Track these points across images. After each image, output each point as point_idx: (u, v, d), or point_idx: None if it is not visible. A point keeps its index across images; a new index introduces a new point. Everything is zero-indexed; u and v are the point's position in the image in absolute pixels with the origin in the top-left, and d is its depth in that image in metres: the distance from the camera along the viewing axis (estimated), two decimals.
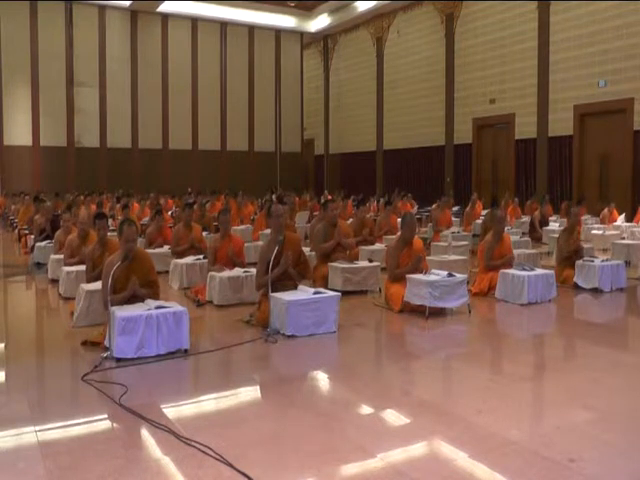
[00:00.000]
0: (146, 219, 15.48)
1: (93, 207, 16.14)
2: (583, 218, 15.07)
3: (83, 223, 9.40)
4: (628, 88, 17.60)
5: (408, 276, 7.32)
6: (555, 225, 14.83)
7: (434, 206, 17.05)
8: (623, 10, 17.52)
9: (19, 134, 25.22)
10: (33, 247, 12.29)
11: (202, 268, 9.13)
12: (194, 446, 3.75)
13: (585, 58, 18.70)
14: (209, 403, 4.74)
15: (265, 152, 30.30)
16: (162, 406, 4.57)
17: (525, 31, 20.52)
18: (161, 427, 4.06)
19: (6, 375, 5.52)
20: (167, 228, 11.46)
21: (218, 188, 24.12)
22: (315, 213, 16.95)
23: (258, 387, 5.15)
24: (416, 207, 19.50)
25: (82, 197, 19.14)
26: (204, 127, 28.87)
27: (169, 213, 16.37)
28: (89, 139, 26.46)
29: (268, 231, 12.86)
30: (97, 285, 7.17)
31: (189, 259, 9.36)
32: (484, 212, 16.89)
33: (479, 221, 15.28)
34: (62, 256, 9.82)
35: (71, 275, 8.58)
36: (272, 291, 6.52)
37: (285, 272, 6.80)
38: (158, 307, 5.84)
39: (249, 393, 5.03)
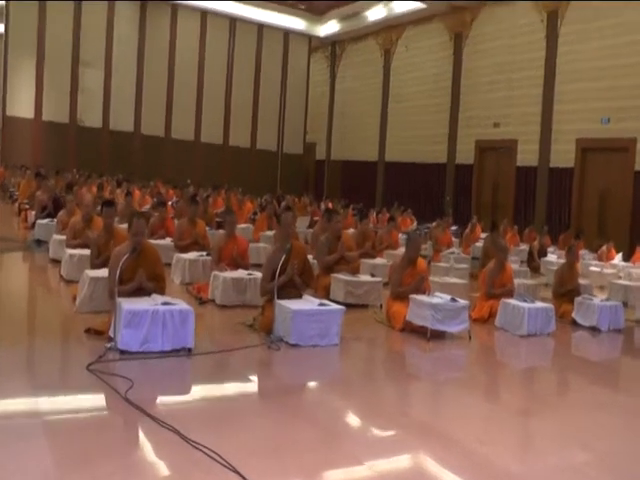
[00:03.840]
0: (147, 207, 15.44)
1: (94, 189, 16.11)
2: (581, 253, 15.14)
3: (88, 207, 9.41)
4: (632, 127, 17.66)
5: (412, 296, 7.34)
6: (553, 257, 14.91)
7: (434, 224, 17.08)
8: (632, 48, 17.60)
9: (22, 106, 25.09)
10: (34, 223, 12.29)
11: (205, 265, 9.13)
12: (201, 449, 3.74)
13: (591, 92, 18.75)
14: (212, 405, 4.76)
15: (267, 151, 30.31)
16: (166, 404, 4.60)
17: (533, 59, 20.57)
18: (168, 427, 4.05)
19: (8, 355, 5.49)
20: (170, 220, 11.45)
21: (218, 182, 24.12)
22: (315, 218, 16.95)
23: (261, 394, 5.17)
24: (415, 223, 19.53)
25: (83, 178, 19.08)
26: (207, 120, 28.84)
27: (169, 203, 16.33)
28: (91, 119, 26.36)
29: (269, 232, 12.94)
30: (102, 272, 7.18)
31: (192, 255, 9.35)
32: (482, 235, 16.98)
33: (478, 244, 15.35)
34: (64, 237, 9.82)
35: (74, 258, 8.57)
36: (277, 298, 6.54)
37: (290, 280, 6.81)
38: (165, 303, 5.84)
39: (252, 399, 5.06)
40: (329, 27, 29.96)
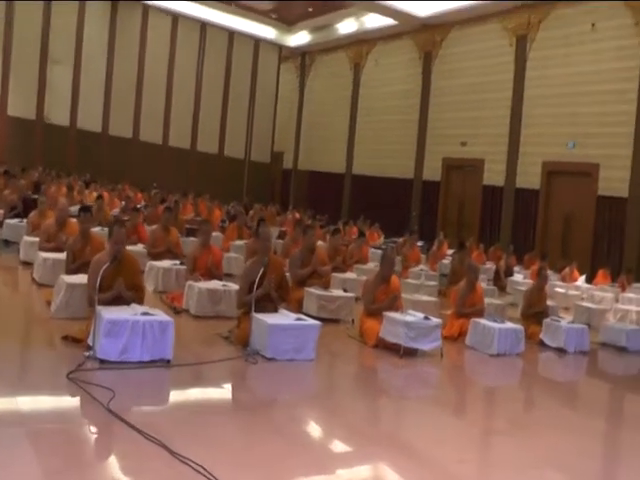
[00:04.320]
0: (116, 210, 15.33)
1: (63, 189, 15.93)
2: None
3: (62, 210, 9.34)
4: (595, 153, 17.96)
5: (385, 314, 7.44)
6: (519, 277, 15.16)
7: (401, 240, 17.23)
8: (596, 77, 17.96)
9: None
10: (2, 223, 12.10)
11: (178, 274, 9.13)
12: (185, 462, 3.77)
13: (556, 117, 19.03)
14: (192, 417, 4.75)
15: (234, 158, 30.17)
16: (148, 415, 4.63)
17: (501, 81, 20.78)
18: (151, 439, 4.06)
19: None
20: (141, 226, 11.39)
21: (185, 187, 23.99)
22: (283, 229, 16.98)
23: (239, 406, 5.22)
24: (383, 237, 19.66)
25: (50, 177, 18.86)
26: (176, 124, 28.57)
27: (137, 206, 16.23)
28: (58, 116, 25.88)
29: (239, 242, 12.93)
30: (79, 278, 7.18)
31: (166, 263, 9.34)
32: (449, 252, 17.20)
33: (445, 261, 15.55)
34: (36, 239, 9.77)
35: (48, 262, 8.52)
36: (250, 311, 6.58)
37: (267, 294, 6.85)
38: (145, 313, 5.85)
39: (229, 411, 5.11)
40: (299, 37, 29.97)
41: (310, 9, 26.22)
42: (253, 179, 30.54)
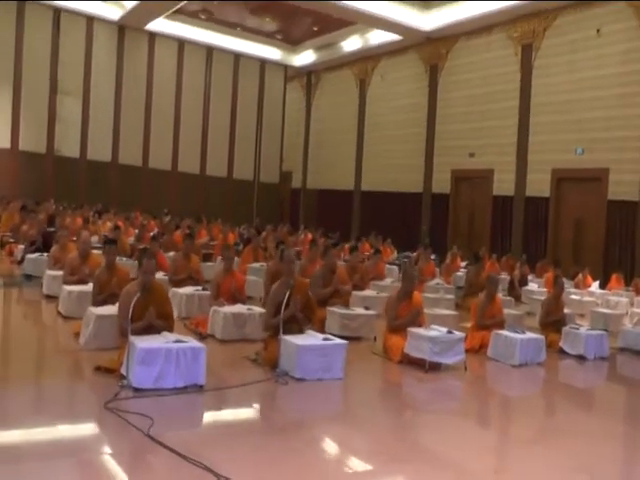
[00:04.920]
0: (131, 239, 15.52)
1: (78, 221, 16.13)
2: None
3: (85, 243, 9.51)
4: (604, 158, 18.08)
5: (409, 330, 7.57)
6: (534, 286, 15.24)
7: (416, 254, 17.35)
8: (602, 82, 18.12)
9: None
10: (23, 258, 12.31)
11: (201, 299, 9.27)
12: None
13: (564, 124, 19.18)
14: (232, 440, 4.88)
15: (243, 180, 30.41)
16: (188, 440, 4.70)
17: (508, 90, 20.96)
18: (197, 463, 4.20)
19: (21, 395, 5.61)
20: (161, 254, 11.55)
21: (196, 212, 24.17)
22: (297, 249, 17.08)
23: (275, 427, 5.35)
24: (396, 252, 19.77)
25: (63, 209, 19.07)
26: (184, 149, 28.86)
27: (150, 234, 16.40)
28: (69, 148, 26.22)
29: (255, 265, 13.08)
30: (107, 310, 7.33)
31: (188, 289, 9.48)
32: (462, 264, 17.30)
33: (459, 273, 15.66)
34: (58, 272, 9.96)
35: (73, 295, 8.66)
36: (278, 333, 6.72)
37: (293, 315, 6.99)
38: (177, 341, 6.00)
39: (268, 432, 5.20)
40: (304, 57, 30.25)
41: (315, 28, 26.46)
42: (262, 200, 30.75)
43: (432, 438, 5.30)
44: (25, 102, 25.12)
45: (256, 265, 13.09)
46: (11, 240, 14.91)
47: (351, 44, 27.05)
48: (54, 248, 10.86)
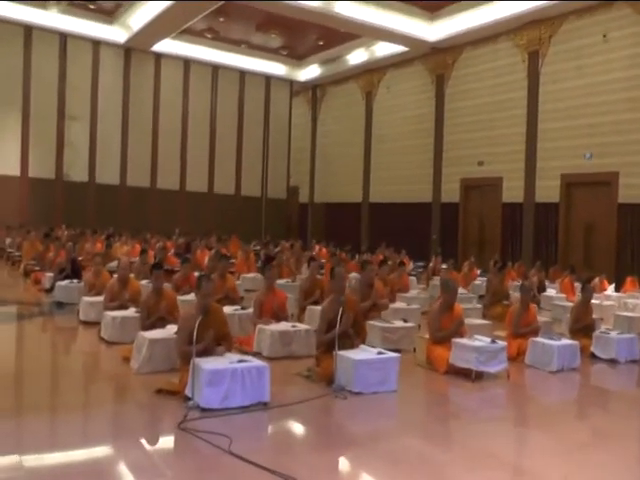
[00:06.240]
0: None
1: (99, 246, 16.32)
2: (576, 286, 15.64)
3: (124, 269, 9.70)
4: (613, 162, 18.35)
5: (454, 340, 7.78)
6: (552, 292, 15.43)
7: (431, 265, 17.58)
8: (610, 86, 18.44)
9: (8, 164, 25.03)
10: (53, 286, 12.47)
11: (241, 319, 9.46)
12: None
13: (572, 130, 19.48)
14: (315, 455, 5.10)
15: (251, 197, 30.68)
16: (269, 455, 4.91)
17: (515, 98, 21.26)
18: (287, 477, 4.40)
19: (91, 422, 5.82)
20: (193, 275, 11.71)
21: (206, 231, 24.42)
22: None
23: (345, 439, 5.59)
24: (412, 263, 19.97)
25: (81, 234, 19.26)
26: (192, 168, 29.14)
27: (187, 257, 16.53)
28: (78, 173, 26.50)
29: (281, 281, 13.26)
30: (159, 334, 7.55)
31: (228, 309, 9.64)
32: (478, 272, 17.52)
33: (477, 282, 15.87)
34: (95, 298, 10.15)
35: (117, 320, 8.84)
36: (332, 349, 6.92)
37: (345, 331, 7.18)
38: (240, 361, 6.19)
39: (340, 445, 5.40)
40: (310, 71, 30.52)
41: (320, 42, 26.77)
42: (271, 216, 31.02)
43: (496, 445, 5.47)
44: (34, 129, 25.42)
45: (281, 282, 13.26)
46: (36, 268, 15.05)
47: (356, 57, 27.35)
48: (88, 274, 11.08)
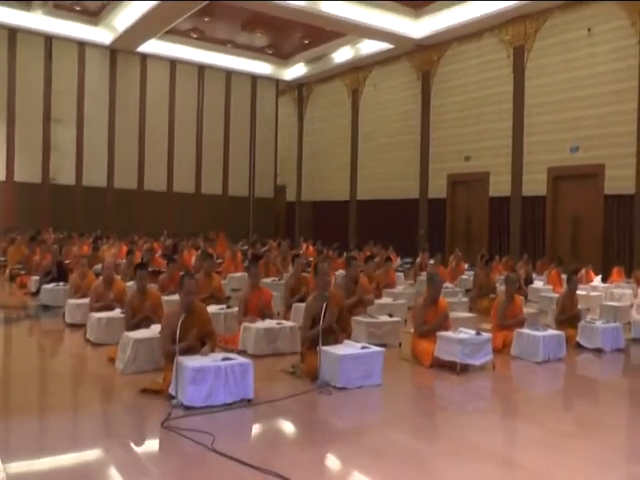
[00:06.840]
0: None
1: (85, 248, 16.25)
2: (563, 277, 15.71)
3: (109, 269, 9.67)
4: (599, 155, 18.44)
5: (439, 334, 7.80)
6: (539, 284, 15.50)
7: (419, 260, 17.62)
8: (594, 80, 18.53)
9: None
10: (39, 289, 12.42)
11: (226, 317, 9.45)
12: None
13: (558, 123, 19.56)
14: (300, 450, 5.11)
15: (239, 197, 30.62)
16: (253, 452, 4.89)
17: (501, 93, 21.32)
18: (271, 473, 4.39)
19: (78, 422, 5.82)
20: (178, 275, 11.68)
21: (193, 231, 24.38)
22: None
23: (332, 434, 5.59)
24: (399, 259, 20.01)
25: (68, 237, 19.18)
26: (179, 169, 29.02)
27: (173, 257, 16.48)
28: (64, 176, 26.34)
29: (267, 280, 13.25)
30: (143, 334, 7.53)
31: (213, 308, 9.63)
32: (465, 266, 17.57)
33: (464, 276, 15.93)
34: (80, 300, 10.10)
35: (102, 322, 8.82)
36: (316, 345, 6.92)
37: (329, 327, 7.18)
38: (225, 359, 6.19)
39: (331, 441, 5.40)
40: (295, 70, 30.46)
41: (306, 41, 26.76)
42: (258, 215, 31.00)
43: (482, 437, 5.47)
44: (19, 133, 25.26)
45: (267, 280, 13.27)
46: (22, 272, 14.97)
47: (342, 55, 27.34)
48: (74, 276, 11.02)
